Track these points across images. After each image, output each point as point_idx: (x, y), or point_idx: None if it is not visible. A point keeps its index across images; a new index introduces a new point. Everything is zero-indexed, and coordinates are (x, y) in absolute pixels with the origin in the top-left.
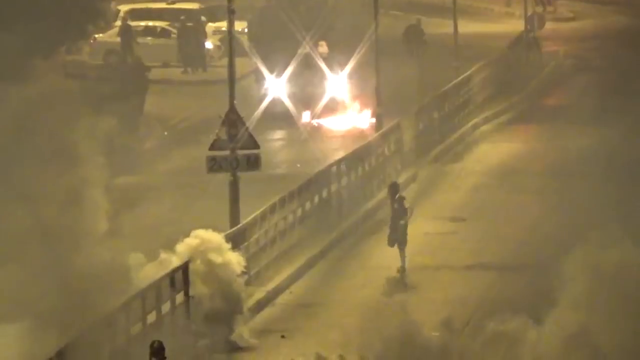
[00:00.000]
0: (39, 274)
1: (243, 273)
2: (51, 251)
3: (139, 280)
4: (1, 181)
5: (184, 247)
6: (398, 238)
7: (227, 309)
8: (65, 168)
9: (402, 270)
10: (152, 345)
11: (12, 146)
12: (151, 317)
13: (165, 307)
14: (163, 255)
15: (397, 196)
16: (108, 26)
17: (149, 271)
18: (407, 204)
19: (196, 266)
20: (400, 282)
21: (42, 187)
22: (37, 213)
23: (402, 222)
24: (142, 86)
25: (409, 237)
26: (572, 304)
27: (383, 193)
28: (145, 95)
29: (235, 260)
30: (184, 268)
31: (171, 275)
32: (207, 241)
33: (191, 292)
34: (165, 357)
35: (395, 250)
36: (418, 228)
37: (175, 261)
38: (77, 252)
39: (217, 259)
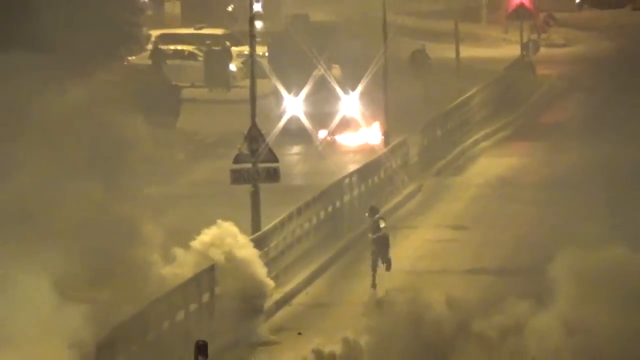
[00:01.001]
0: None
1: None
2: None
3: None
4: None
5: (206, 236)
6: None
7: (249, 306)
8: (104, 175)
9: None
10: (197, 344)
11: (56, 149)
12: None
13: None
14: (179, 252)
15: (375, 217)
16: (141, 49)
17: (175, 268)
18: (382, 225)
19: (217, 255)
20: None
21: (84, 187)
22: (79, 211)
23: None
24: (175, 104)
25: (414, 243)
26: (565, 301)
27: (392, 202)
28: (178, 112)
29: (254, 255)
30: (210, 269)
31: (199, 276)
32: (226, 231)
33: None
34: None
35: (402, 253)
36: (422, 235)
37: (195, 252)
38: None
39: (237, 250)
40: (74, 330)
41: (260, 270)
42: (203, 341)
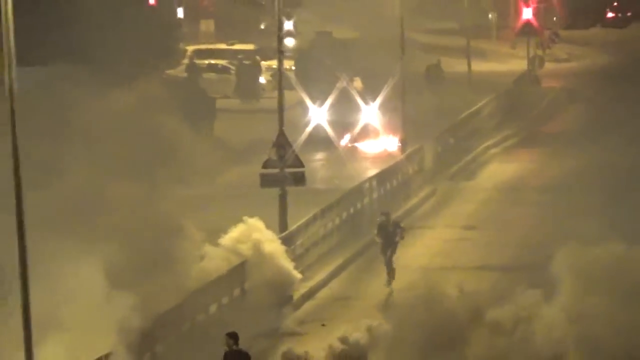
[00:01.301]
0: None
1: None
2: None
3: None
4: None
5: (234, 233)
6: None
7: (278, 296)
8: (147, 177)
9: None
10: (230, 334)
11: (104, 153)
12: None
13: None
14: (209, 249)
15: (392, 222)
16: (177, 63)
17: (205, 263)
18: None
19: (245, 250)
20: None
21: (130, 188)
22: (127, 210)
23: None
24: (211, 114)
25: (428, 242)
26: (567, 294)
27: (407, 205)
28: (213, 121)
29: (280, 248)
30: (241, 265)
31: (230, 272)
32: (253, 226)
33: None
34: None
35: (417, 251)
36: (437, 235)
37: (224, 248)
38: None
39: (264, 244)
40: (121, 318)
41: (286, 262)
42: (234, 332)
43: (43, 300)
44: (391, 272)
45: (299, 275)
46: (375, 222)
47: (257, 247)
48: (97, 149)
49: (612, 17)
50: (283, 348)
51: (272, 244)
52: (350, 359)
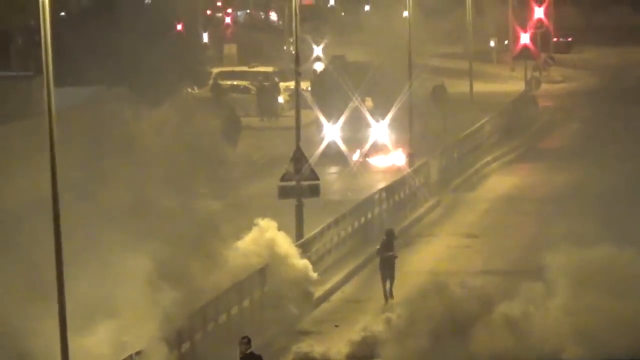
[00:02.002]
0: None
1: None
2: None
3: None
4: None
5: (248, 237)
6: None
7: (296, 295)
8: (178, 187)
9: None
10: (243, 338)
11: (139, 165)
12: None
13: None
14: (226, 252)
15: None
16: (202, 84)
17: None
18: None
19: (259, 249)
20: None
21: (166, 195)
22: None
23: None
24: (236, 130)
25: (434, 249)
26: (564, 291)
27: (414, 215)
28: (238, 136)
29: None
30: (262, 269)
31: (251, 275)
32: (265, 226)
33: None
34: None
35: (423, 256)
36: (442, 242)
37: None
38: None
39: (277, 240)
40: (166, 308)
41: (300, 259)
42: (247, 336)
43: (97, 286)
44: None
45: (314, 274)
46: (381, 236)
47: (270, 246)
48: (134, 164)
49: (555, 42)
50: (294, 348)
51: (285, 242)
52: (366, 346)
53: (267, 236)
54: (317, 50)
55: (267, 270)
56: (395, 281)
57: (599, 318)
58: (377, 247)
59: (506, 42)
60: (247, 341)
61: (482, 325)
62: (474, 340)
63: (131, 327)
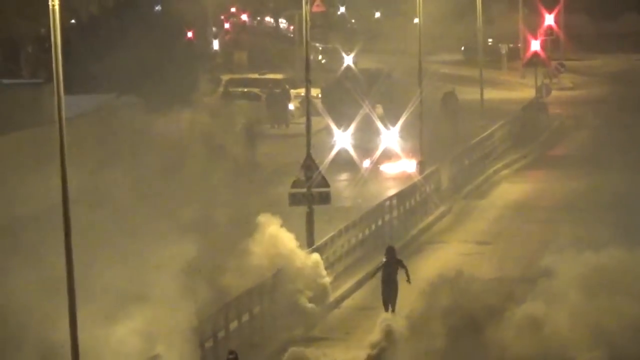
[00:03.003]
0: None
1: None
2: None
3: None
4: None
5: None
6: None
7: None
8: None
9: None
10: (230, 354)
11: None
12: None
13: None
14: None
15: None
16: (213, 91)
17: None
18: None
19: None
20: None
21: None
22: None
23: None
24: (253, 138)
25: (444, 256)
26: (576, 294)
27: (425, 222)
28: (255, 145)
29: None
30: (276, 274)
31: (263, 282)
32: (268, 220)
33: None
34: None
35: (434, 263)
36: (453, 249)
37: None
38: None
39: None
40: (198, 297)
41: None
42: (234, 351)
43: (132, 275)
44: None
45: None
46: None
47: (272, 240)
48: (151, 168)
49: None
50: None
51: (286, 236)
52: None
53: (269, 231)
54: (348, 60)
55: (279, 272)
56: (398, 298)
57: (615, 320)
58: (379, 265)
59: (511, 45)
60: (234, 357)
61: (500, 323)
62: (491, 339)
63: (159, 318)
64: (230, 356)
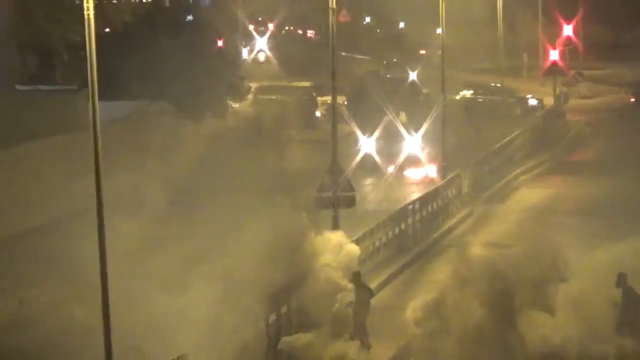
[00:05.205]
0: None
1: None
2: None
3: None
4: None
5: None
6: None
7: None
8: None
9: None
10: None
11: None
12: None
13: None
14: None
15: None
16: (243, 98)
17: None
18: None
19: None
20: None
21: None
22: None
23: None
24: (279, 143)
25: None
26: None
27: (446, 226)
28: (282, 149)
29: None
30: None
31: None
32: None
33: None
34: None
35: (456, 264)
36: (472, 252)
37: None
38: None
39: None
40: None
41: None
42: None
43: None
44: (364, 338)
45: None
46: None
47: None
48: (182, 170)
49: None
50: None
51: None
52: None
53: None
54: (412, 75)
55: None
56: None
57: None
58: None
59: (525, 56)
60: None
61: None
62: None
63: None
64: None
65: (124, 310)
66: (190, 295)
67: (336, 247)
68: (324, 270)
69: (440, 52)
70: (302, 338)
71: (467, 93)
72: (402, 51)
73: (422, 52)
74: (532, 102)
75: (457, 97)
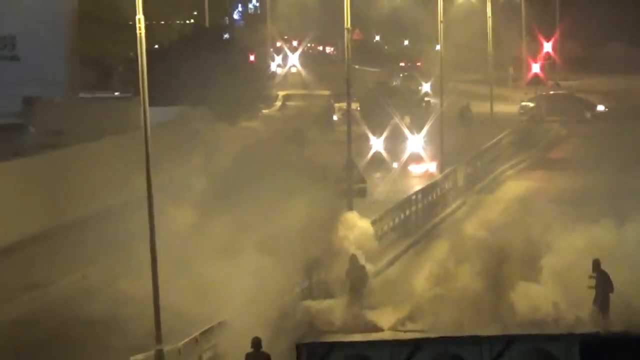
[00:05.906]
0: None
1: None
2: None
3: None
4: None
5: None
6: None
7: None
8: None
9: None
10: (254, 339)
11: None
12: None
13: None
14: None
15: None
16: (271, 105)
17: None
18: None
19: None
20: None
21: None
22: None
23: None
24: (301, 144)
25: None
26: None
27: (444, 213)
28: (303, 148)
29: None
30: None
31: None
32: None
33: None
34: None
35: (450, 242)
36: (468, 234)
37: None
38: None
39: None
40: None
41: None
42: (258, 337)
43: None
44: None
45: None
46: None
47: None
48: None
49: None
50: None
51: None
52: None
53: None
54: (426, 87)
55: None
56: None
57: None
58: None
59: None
60: (256, 341)
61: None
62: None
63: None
64: (256, 340)
65: (178, 279)
66: (239, 260)
67: (351, 225)
68: (342, 243)
69: (433, 63)
70: (323, 303)
71: (530, 104)
72: (405, 63)
73: (418, 64)
74: (600, 108)
75: (520, 107)
